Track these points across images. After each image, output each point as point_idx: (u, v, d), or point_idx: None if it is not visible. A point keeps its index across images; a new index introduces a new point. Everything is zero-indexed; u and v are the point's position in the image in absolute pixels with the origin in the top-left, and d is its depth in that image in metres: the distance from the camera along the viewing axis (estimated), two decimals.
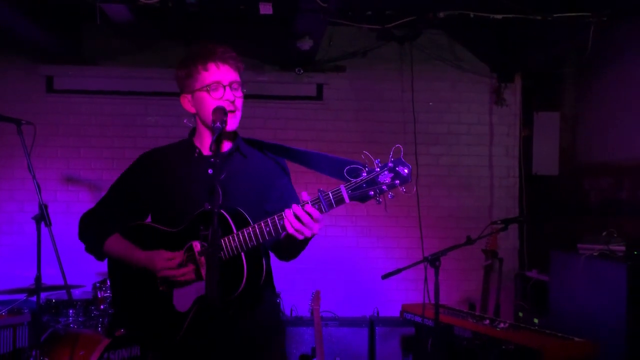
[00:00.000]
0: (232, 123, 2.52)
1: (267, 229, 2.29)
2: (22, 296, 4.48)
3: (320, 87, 6.21)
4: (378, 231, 6.21)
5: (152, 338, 2.58)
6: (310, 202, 2.25)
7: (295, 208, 2.25)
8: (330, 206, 2.25)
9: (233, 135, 2.66)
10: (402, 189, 2.22)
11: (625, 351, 4.02)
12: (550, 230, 5.93)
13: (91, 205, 5.72)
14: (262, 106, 6.05)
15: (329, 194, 2.25)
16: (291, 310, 5.79)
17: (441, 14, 4.86)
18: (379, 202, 2.21)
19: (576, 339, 3.86)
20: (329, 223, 6.06)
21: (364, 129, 6.21)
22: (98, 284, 4.82)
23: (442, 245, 4.22)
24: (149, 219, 2.71)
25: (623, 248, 4.41)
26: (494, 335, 4.05)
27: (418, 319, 4.68)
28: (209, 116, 2.46)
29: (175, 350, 2.52)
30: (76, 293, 5.04)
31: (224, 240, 2.33)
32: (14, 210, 5.91)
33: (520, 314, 5.35)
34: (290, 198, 2.60)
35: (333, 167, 2.40)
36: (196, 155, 2.63)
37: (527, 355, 3.74)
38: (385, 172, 2.21)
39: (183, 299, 2.46)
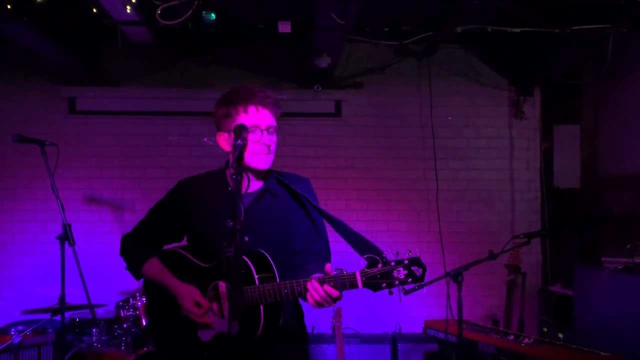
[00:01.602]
0: (266, 163, 2.63)
1: (285, 291, 2.42)
2: (47, 316, 4.51)
3: (338, 104, 6.24)
4: (398, 247, 6.10)
5: (175, 358, 2.71)
6: (326, 279, 2.38)
7: (314, 284, 2.38)
8: (344, 287, 2.37)
9: (265, 174, 2.73)
10: (413, 287, 2.35)
11: None
12: (573, 243, 5.87)
13: (113, 224, 5.81)
14: (281, 123, 6.03)
15: (345, 277, 2.37)
16: (313, 327, 5.77)
17: (459, 29, 4.86)
18: (391, 294, 2.34)
19: (602, 353, 3.80)
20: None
21: (383, 145, 6.21)
22: (121, 303, 4.85)
23: (463, 261, 4.19)
24: (184, 242, 2.85)
25: None
26: (519, 350, 3.99)
27: (441, 335, 4.63)
28: (245, 157, 2.57)
29: None
30: (99, 312, 5.08)
31: (249, 289, 2.45)
32: (37, 231, 5.97)
33: (545, 329, 5.29)
34: (316, 238, 2.73)
35: (355, 241, 2.56)
36: (228, 190, 2.65)
37: None
38: (400, 269, 2.32)
39: (206, 331, 2.60)
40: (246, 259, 2.48)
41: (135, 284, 5.62)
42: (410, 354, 5.39)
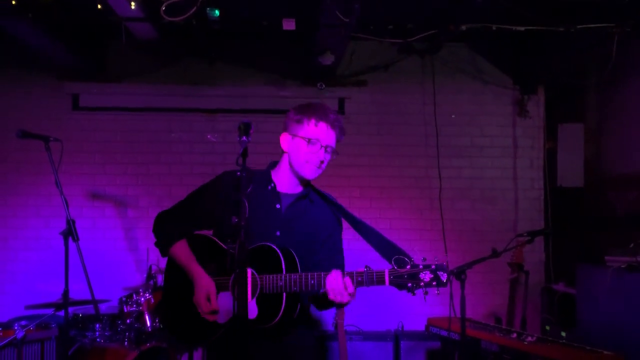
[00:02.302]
0: (313, 174, 2.80)
1: (312, 282, 2.58)
2: (50, 311, 4.52)
3: (342, 102, 6.23)
4: (402, 244, 6.15)
5: (186, 335, 2.83)
6: (355, 274, 2.57)
7: (337, 274, 2.57)
8: (371, 283, 2.57)
9: (307, 182, 2.89)
10: (436, 291, 2.54)
11: None
12: (576, 242, 5.86)
13: (116, 220, 5.82)
14: (284, 120, 6.07)
15: (373, 273, 2.56)
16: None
17: (463, 27, 4.86)
18: (414, 295, 2.55)
19: (605, 352, 3.80)
20: (352, 237, 6.05)
21: (386, 143, 6.21)
22: (124, 299, 4.86)
23: (466, 259, 4.20)
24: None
25: None
26: (522, 349, 3.99)
27: (444, 333, 4.64)
28: (298, 162, 2.77)
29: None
30: (103, 307, 5.10)
31: (273, 277, 2.60)
32: (39, 227, 5.98)
33: (548, 328, 5.29)
34: (336, 254, 2.94)
35: (381, 246, 2.78)
36: (270, 188, 2.85)
37: None
38: (427, 272, 2.53)
39: (223, 312, 2.71)
40: (277, 249, 2.63)
41: (139, 280, 5.64)
42: (412, 351, 5.39)
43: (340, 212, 2.93)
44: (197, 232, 2.95)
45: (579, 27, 4.67)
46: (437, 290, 2.53)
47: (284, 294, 2.59)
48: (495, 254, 4.19)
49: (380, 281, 2.53)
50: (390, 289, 6.20)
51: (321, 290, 2.61)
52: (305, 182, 2.88)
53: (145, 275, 5.22)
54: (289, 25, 4.52)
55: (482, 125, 6.30)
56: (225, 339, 2.71)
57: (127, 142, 6.10)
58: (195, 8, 3.99)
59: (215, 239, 2.84)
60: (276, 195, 2.83)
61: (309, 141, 2.74)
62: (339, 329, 5.04)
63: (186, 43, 5.82)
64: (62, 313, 4.28)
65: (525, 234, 4.80)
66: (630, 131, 5.30)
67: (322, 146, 2.76)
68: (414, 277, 2.52)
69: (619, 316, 4.30)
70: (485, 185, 6.28)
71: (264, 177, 2.87)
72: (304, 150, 2.76)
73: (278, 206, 2.73)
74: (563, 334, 4.90)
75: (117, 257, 5.88)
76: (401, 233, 6.16)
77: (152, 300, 4.84)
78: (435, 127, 6.14)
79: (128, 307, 4.84)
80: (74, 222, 4.07)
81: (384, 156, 6.19)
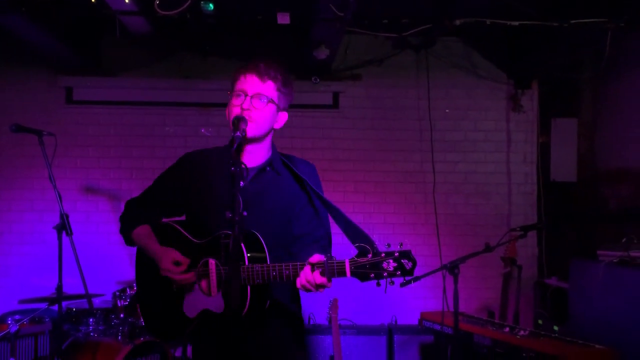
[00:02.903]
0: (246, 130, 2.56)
1: (273, 274, 2.40)
2: (44, 305, 4.53)
3: (336, 96, 6.24)
4: (395, 238, 6.15)
5: (160, 331, 2.76)
6: (316, 266, 2.35)
7: (305, 270, 2.37)
8: (332, 275, 2.34)
9: (268, 149, 2.74)
10: (401, 280, 2.37)
11: None
12: (569, 237, 5.89)
13: (110, 214, 5.81)
14: None
15: (334, 264, 2.34)
16: (309, 318, 5.79)
17: (457, 22, 4.86)
18: (379, 285, 2.32)
19: (597, 346, 3.82)
20: None
21: (381, 137, 6.22)
22: (118, 293, 4.86)
23: (459, 253, 4.22)
24: (183, 218, 2.84)
25: None
26: (514, 343, 4.02)
27: (437, 327, 4.66)
28: (230, 120, 2.56)
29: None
30: (96, 302, 5.09)
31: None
32: (33, 221, 5.97)
33: (540, 322, 5.31)
34: (318, 225, 2.71)
35: (349, 230, 2.54)
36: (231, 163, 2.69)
37: None
38: (390, 261, 2.30)
39: (192, 306, 2.59)
40: (239, 236, 2.43)
41: (132, 274, 5.63)
42: (406, 345, 5.42)
43: (307, 187, 2.71)
44: (167, 220, 2.82)
45: (572, 22, 4.68)
46: (403, 278, 2.35)
47: (248, 288, 2.43)
48: (488, 248, 4.20)
49: (342, 272, 2.33)
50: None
51: (291, 280, 2.44)
52: (263, 149, 2.71)
53: None
54: (283, 19, 4.52)
55: (476, 120, 6.31)
56: (207, 332, 2.63)
57: (121, 136, 6.09)
58: (189, 2, 3.98)
59: (180, 228, 2.72)
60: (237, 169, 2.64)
61: (229, 93, 2.63)
62: (333, 323, 5.09)
63: (180, 37, 5.80)
64: (55, 307, 4.29)
65: (518, 229, 4.82)
66: (623, 126, 5.32)
67: (241, 93, 2.60)
68: (376, 266, 2.30)
69: (611, 310, 4.33)
70: (479, 179, 6.29)
71: (225, 155, 2.64)
72: (230, 107, 2.62)
73: (242, 183, 2.44)
74: (556, 328, 4.93)
75: (111, 251, 5.88)
76: (395, 227, 6.18)
77: None
78: (429, 122, 6.14)
79: (122, 301, 4.84)
80: (67, 216, 4.08)
81: (378, 150, 6.20)
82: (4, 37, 5.22)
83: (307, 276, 2.36)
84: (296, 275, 2.39)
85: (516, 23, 4.80)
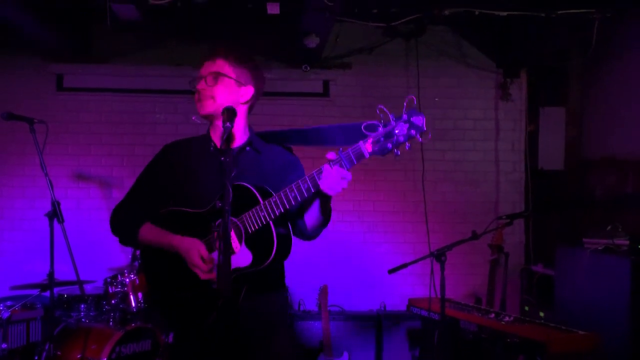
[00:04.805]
0: (200, 109, 2.74)
1: (292, 194, 2.43)
2: (35, 291, 4.56)
3: (326, 84, 6.26)
4: (385, 226, 6.27)
5: (187, 316, 2.65)
6: (333, 162, 2.37)
7: (326, 168, 2.38)
8: (352, 163, 2.35)
9: (244, 127, 2.79)
10: (419, 138, 2.30)
11: (628, 343, 4.07)
12: (556, 224, 5.96)
13: (101, 201, 5.81)
14: (269, 103, 6.10)
15: (349, 152, 2.35)
16: (299, 305, 5.86)
17: (446, 12, 4.90)
18: (398, 155, 2.31)
19: (580, 332, 3.90)
20: (336, 218, 6.11)
21: None
22: (109, 280, 4.89)
23: (448, 240, 4.27)
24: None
25: (627, 242, 4.43)
26: (499, 328, 4.09)
27: (424, 313, 4.73)
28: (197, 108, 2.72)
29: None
30: (88, 288, 5.12)
31: (252, 212, 2.48)
32: (25, 207, 5.99)
33: (527, 308, 5.40)
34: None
35: (349, 134, 2.51)
36: (212, 149, 2.77)
37: (532, 347, 3.77)
38: (401, 124, 2.28)
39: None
40: (243, 184, 2.51)
41: (124, 261, 5.67)
42: (394, 331, 5.50)
43: (294, 138, 2.78)
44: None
45: (559, 12, 4.73)
46: (420, 138, 2.30)
47: (271, 223, 2.46)
48: (474, 236, 4.26)
49: (360, 156, 2.33)
50: (372, 269, 6.25)
51: (306, 195, 2.45)
52: (241, 131, 2.77)
53: (130, 256, 5.25)
54: (273, 9, 4.54)
55: (465, 108, 6.35)
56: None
57: (112, 123, 6.10)
58: None
59: (180, 207, 2.71)
60: (219, 152, 2.71)
61: (193, 82, 2.75)
62: (322, 309, 5.16)
63: (171, 24, 5.81)
64: (47, 294, 4.32)
65: (504, 217, 4.88)
66: (610, 115, 5.38)
67: (198, 79, 2.73)
68: (391, 134, 2.28)
69: (595, 297, 4.41)
70: (467, 168, 6.35)
71: (205, 140, 2.79)
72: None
73: (222, 159, 2.39)
74: (541, 314, 5.02)
75: (102, 238, 5.88)
76: (385, 215, 6.24)
77: (137, 282, 4.87)
78: (419, 110, 6.17)
79: (113, 287, 4.87)
80: (59, 204, 4.10)
81: None
82: None
83: (329, 176, 2.37)
84: (315, 183, 2.41)
85: (504, 13, 4.85)
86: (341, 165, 2.37)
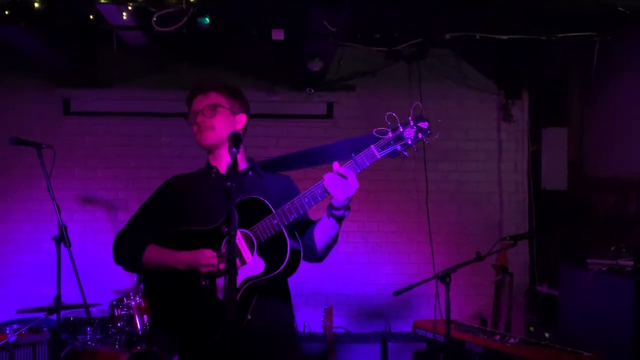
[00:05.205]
0: (201, 140, 2.85)
1: (306, 199, 2.54)
2: (42, 315, 4.58)
3: (330, 106, 6.32)
4: (389, 247, 6.28)
5: (195, 335, 2.66)
6: (345, 164, 2.52)
7: (336, 167, 2.52)
8: (363, 163, 2.53)
9: (242, 154, 2.89)
10: (426, 140, 2.55)
11: None
12: (559, 244, 5.97)
13: (107, 224, 5.83)
14: (274, 125, 6.16)
15: (361, 155, 2.52)
16: (304, 326, 5.86)
17: (447, 36, 4.96)
18: (406, 157, 2.53)
19: (585, 353, 3.90)
20: (340, 239, 6.12)
21: None
22: (115, 302, 4.92)
23: (452, 261, 4.28)
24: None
25: (631, 263, 4.44)
26: (505, 350, 4.10)
27: (429, 335, 4.73)
28: (196, 141, 2.86)
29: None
30: (93, 311, 5.13)
31: (265, 220, 2.55)
32: (31, 231, 6.03)
33: (532, 329, 5.39)
34: (306, 213, 2.75)
35: (360, 145, 2.61)
36: (214, 175, 2.86)
37: None
38: (408, 128, 2.52)
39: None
40: (260, 197, 2.60)
41: (129, 283, 5.70)
42: (399, 353, 5.48)
43: (299, 161, 2.94)
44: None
45: (560, 35, 4.79)
46: (427, 140, 2.55)
47: (284, 231, 2.54)
48: (479, 257, 4.28)
49: (371, 156, 2.51)
50: (376, 291, 6.25)
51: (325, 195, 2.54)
52: (243, 159, 2.89)
53: (135, 279, 5.27)
54: (277, 35, 4.61)
55: (467, 129, 6.40)
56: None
57: (118, 146, 6.16)
58: (186, 18, 4.06)
59: (188, 227, 2.74)
60: (222, 177, 2.81)
61: (187, 117, 2.89)
62: (327, 331, 5.16)
63: (176, 49, 5.89)
64: (53, 317, 4.33)
65: (508, 238, 4.90)
66: (612, 135, 5.41)
67: (194, 113, 2.84)
68: (400, 138, 2.51)
69: (600, 317, 4.41)
70: (471, 188, 6.38)
71: (206, 170, 2.93)
72: (192, 127, 2.86)
73: (228, 184, 2.42)
74: (547, 334, 5.01)
75: (108, 261, 5.84)
76: (389, 236, 6.26)
77: (143, 304, 4.90)
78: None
79: (119, 310, 4.90)
80: (66, 227, 4.12)
81: None
82: (1, 49, 5.28)
83: (339, 178, 2.50)
84: (325, 190, 2.52)
85: (505, 37, 4.91)
86: (353, 169, 2.52)
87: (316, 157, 2.90)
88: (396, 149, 2.51)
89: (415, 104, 2.55)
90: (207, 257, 2.60)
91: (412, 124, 2.52)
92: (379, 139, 2.51)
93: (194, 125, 2.84)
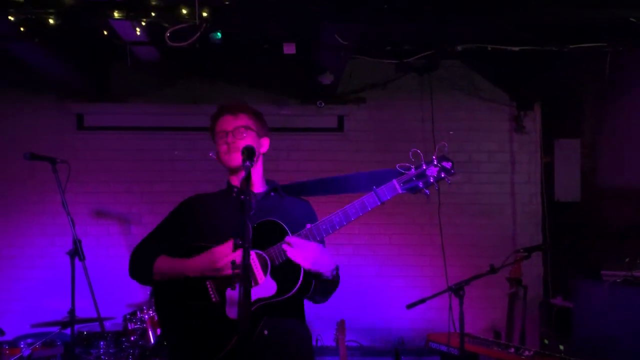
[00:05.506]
0: (228, 161, 2.83)
1: (324, 226, 2.60)
2: (56, 329, 4.60)
3: (341, 119, 6.33)
4: (401, 260, 6.26)
5: (203, 353, 2.64)
6: (368, 196, 2.59)
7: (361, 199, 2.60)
8: (385, 197, 2.60)
9: (262, 175, 2.93)
10: (448, 180, 2.63)
11: None
12: (573, 256, 5.93)
13: (121, 238, 5.87)
14: (285, 138, 6.18)
15: (383, 187, 2.60)
16: (317, 340, 5.84)
17: (459, 48, 4.97)
18: (428, 194, 2.62)
19: None
20: (351, 252, 6.13)
21: (385, 159, 6.26)
22: (128, 316, 4.93)
23: (465, 274, 4.26)
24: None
25: None
26: None
27: (443, 348, 4.70)
28: (221, 160, 2.85)
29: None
30: (107, 325, 5.15)
31: (281, 244, 2.57)
32: (45, 245, 6.06)
33: (546, 341, 5.34)
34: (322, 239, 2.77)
35: (380, 178, 2.69)
36: (235, 194, 2.85)
37: None
38: (432, 167, 2.60)
39: (235, 307, 2.58)
40: (272, 219, 2.63)
41: (143, 297, 5.71)
42: None
43: (320, 188, 2.97)
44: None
45: (571, 47, 4.78)
46: (449, 180, 2.61)
47: (302, 269, 2.55)
48: (492, 270, 4.26)
49: (393, 190, 2.58)
50: (389, 304, 6.23)
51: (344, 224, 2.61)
52: (265, 179, 2.93)
53: (149, 292, 5.29)
54: (289, 49, 4.64)
55: (479, 141, 6.38)
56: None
57: (131, 160, 6.20)
58: (198, 34, 4.09)
59: (201, 242, 2.72)
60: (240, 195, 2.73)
61: (214, 136, 2.89)
62: (340, 345, 5.14)
63: (189, 63, 5.93)
64: (67, 331, 4.35)
65: (522, 250, 4.87)
66: (625, 145, 5.39)
67: (222, 133, 2.84)
68: (423, 175, 2.59)
69: (615, 329, 4.37)
70: (483, 200, 6.35)
71: (227, 190, 2.92)
72: (218, 146, 2.86)
73: (242, 197, 2.38)
74: (561, 347, 4.96)
75: (121, 274, 5.88)
76: (401, 248, 6.24)
77: (156, 318, 4.90)
78: (433, 144, 6.21)
79: (132, 324, 4.91)
80: (80, 242, 4.15)
81: None
82: (16, 64, 5.34)
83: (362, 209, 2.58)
84: (348, 215, 2.59)
85: (516, 48, 4.90)
86: (375, 202, 2.59)
87: (336, 186, 2.98)
88: (418, 186, 2.59)
89: (441, 144, 2.61)
90: (220, 252, 2.59)
91: (435, 162, 2.59)
92: (402, 174, 2.59)
93: (222, 145, 2.83)
